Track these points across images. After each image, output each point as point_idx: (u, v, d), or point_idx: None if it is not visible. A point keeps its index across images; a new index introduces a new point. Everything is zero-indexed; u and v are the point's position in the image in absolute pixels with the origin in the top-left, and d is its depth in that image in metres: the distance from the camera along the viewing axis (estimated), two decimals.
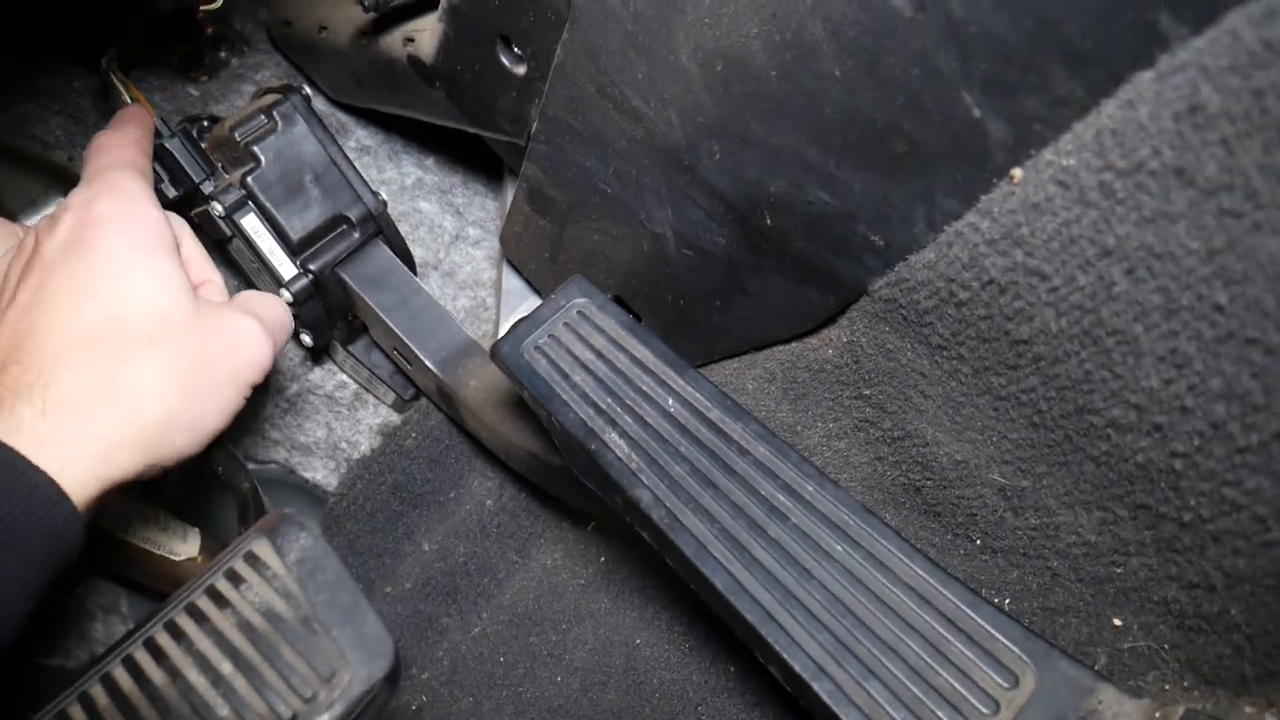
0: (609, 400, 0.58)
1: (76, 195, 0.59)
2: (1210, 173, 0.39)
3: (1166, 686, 0.50)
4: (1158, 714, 0.44)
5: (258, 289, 0.81)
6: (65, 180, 0.86)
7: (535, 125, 0.73)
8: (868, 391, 0.62)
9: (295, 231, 0.77)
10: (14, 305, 0.55)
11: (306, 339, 0.84)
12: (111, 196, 0.58)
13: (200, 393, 0.56)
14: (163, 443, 0.55)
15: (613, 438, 0.57)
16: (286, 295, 0.77)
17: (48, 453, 0.49)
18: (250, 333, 0.61)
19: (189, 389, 0.56)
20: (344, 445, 0.91)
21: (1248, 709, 0.46)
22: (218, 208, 0.74)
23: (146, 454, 0.54)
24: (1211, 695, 0.48)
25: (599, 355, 0.61)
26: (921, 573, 0.49)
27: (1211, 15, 0.37)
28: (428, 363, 0.79)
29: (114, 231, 0.56)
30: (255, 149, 0.75)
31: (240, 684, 0.45)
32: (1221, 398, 0.42)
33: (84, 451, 0.51)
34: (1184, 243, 0.41)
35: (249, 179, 0.75)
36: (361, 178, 0.80)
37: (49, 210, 0.87)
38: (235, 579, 0.48)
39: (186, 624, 0.46)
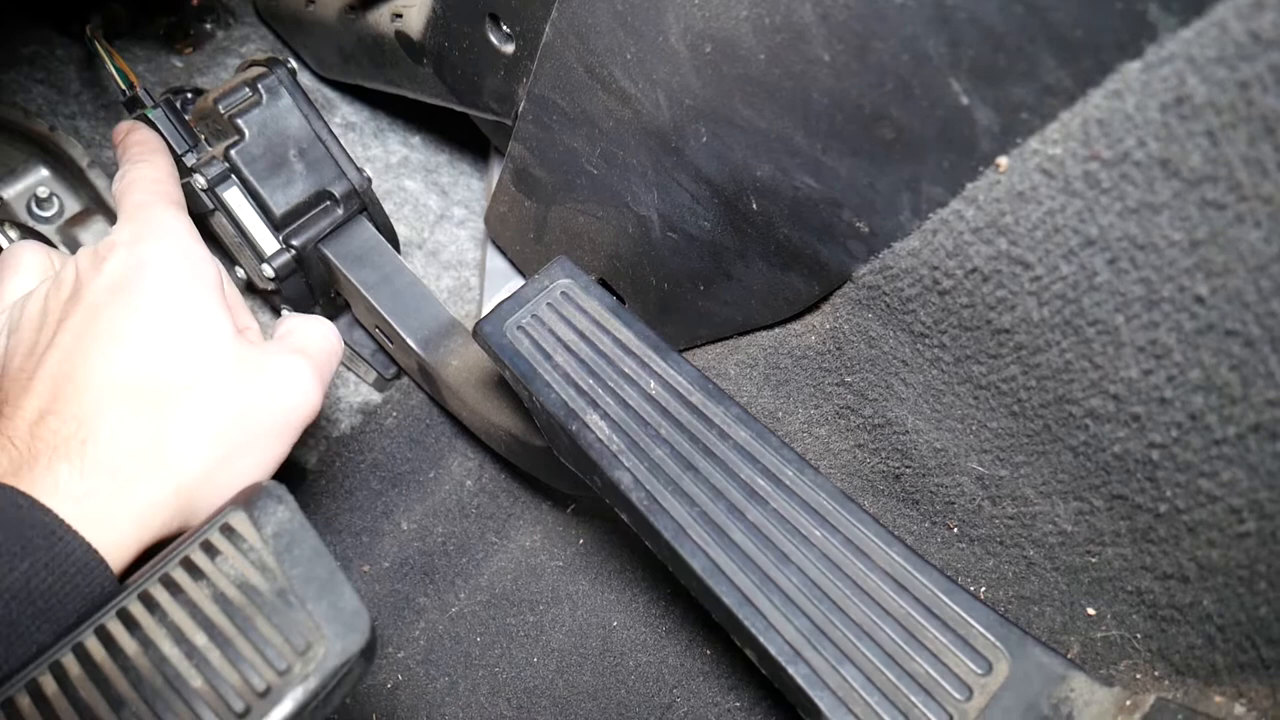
0: (591, 382, 0.58)
1: (121, 232, 0.58)
2: (1195, 164, 0.39)
3: (1138, 675, 0.50)
4: (1129, 702, 0.44)
5: (240, 265, 0.80)
6: (46, 149, 0.85)
7: (522, 105, 0.73)
8: (849, 378, 0.62)
9: (278, 206, 0.76)
10: (54, 348, 0.53)
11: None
12: (158, 238, 0.57)
13: (240, 447, 0.54)
14: (199, 500, 0.52)
15: (594, 419, 0.57)
16: (268, 270, 0.77)
17: (85, 515, 0.47)
18: (297, 373, 0.58)
19: (228, 444, 0.53)
20: (323, 423, 0.90)
21: (1217, 699, 0.47)
22: (201, 180, 0.73)
23: (183, 513, 0.52)
24: (1182, 685, 0.48)
25: (582, 336, 0.60)
26: (898, 559, 0.50)
27: (1200, 7, 0.37)
28: (410, 341, 0.79)
29: (160, 275, 0.55)
30: (239, 122, 0.74)
31: (214, 655, 0.44)
32: (1200, 389, 0.43)
33: (121, 513, 0.49)
34: (1167, 234, 0.41)
35: (232, 152, 0.74)
36: (346, 154, 0.80)
37: (29, 180, 0.86)
38: (211, 551, 0.47)
39: (160, 595, 0.46)
